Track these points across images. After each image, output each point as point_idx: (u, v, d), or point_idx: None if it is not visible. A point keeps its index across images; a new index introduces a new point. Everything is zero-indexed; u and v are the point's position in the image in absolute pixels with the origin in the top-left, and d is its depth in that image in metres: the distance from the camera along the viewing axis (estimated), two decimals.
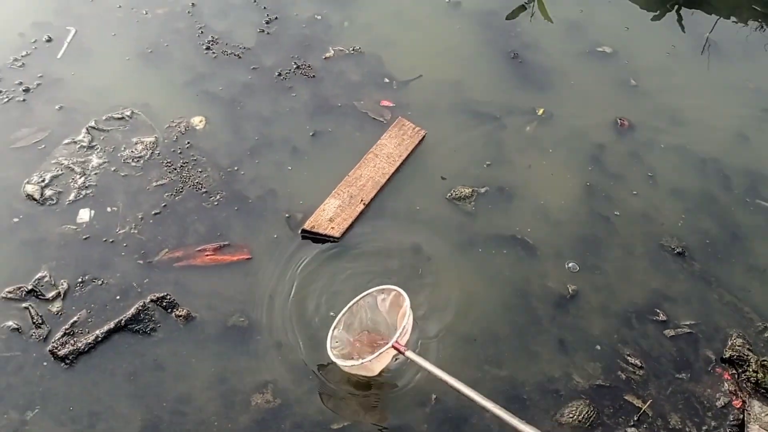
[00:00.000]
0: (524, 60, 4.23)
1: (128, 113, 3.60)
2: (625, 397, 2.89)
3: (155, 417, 2.67)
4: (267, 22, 4.18)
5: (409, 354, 2.61)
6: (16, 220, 3.16)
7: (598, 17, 4.52)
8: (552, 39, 4.37)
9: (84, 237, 3.14)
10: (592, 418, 2.77)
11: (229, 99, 3.76)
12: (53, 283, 2.97)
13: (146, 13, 4.10)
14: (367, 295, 2.84)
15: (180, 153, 3.48)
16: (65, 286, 2.97)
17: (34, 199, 3.20)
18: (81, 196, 3.26)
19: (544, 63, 4.24)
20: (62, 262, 3.06)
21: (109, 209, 3.26)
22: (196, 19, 4.12)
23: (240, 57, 3.96)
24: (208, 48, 3.97)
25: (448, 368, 2.57)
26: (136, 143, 3.48)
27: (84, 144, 3.42)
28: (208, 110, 3.71)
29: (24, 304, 2.92)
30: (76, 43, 3.89)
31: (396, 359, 2.85)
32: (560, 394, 2.87)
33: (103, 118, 3.58)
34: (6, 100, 3.56)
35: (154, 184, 3.36)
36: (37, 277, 2.99)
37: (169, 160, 3.44)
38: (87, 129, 3.50)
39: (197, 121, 3.62)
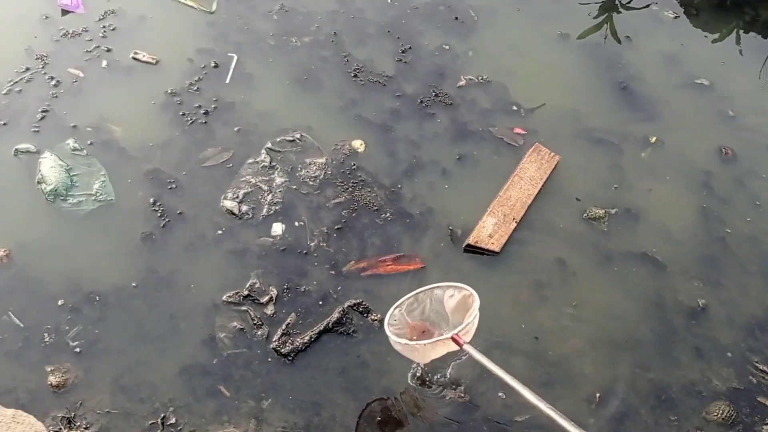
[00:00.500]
0: (632, 90, 4.72)
1: (298, 136, 4.06)
2: (758, 399, 3.41)
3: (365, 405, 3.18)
4: (402, 51, 4.64)
5: (468, 348, 2.63)
6: (219, 232, 3.63)
7: (692, 50, 5.01)
8: (654, 71, 4.87)
9: (281, 248, 3.62)
10: (733, 417, 3.30)
11: (380, 124, 4.24)
12: (264, 289, 3.44)
13: (295, 41, 4.56)
14: (437, 287, 2.93)
15: (349, 174, 3.95)
16: (275, 291, 3.43)
17: (233, 214, 3.67)
18: (272, 211, 3.73)
19: (649, 93, 4.74)
20: (266, 270, 3.53)
21: (296, 224, 3.73)
22: (339, 48, 4.58)
23: (384, 85, 4.43)
24: (355, 75, 4.43)
25: (604, 371, 3.08)
26: (309, 164, 3.95)
27: (265, 164, 3.89)
28: (363, 134, 4.18)
29: (242, 308, 3.37)
30: (239, 69, 4.33)
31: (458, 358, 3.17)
32: (703, 395, 3.39)
33: (277, 140, 4.03)
34: (190, 122, 4.01)
35: (333, 201, 3.82)
36: (249, 283, 3.46)
37: (341, 180, 3.92)
38: (266, 150, 3.95)
39: (358, 144, 4.10)
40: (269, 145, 3.96)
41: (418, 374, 3.27)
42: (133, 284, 3.35)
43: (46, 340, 3.14)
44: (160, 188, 3.67)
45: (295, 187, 3.82)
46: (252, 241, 3.58)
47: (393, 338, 2.78)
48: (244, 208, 3.65)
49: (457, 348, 2.69)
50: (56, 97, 3.96)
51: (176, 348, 3.21)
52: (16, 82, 3.96)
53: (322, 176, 3.88)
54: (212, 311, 3.32)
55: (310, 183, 3.84)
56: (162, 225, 3.54)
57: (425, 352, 2.74)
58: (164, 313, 3.29)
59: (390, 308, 2.99)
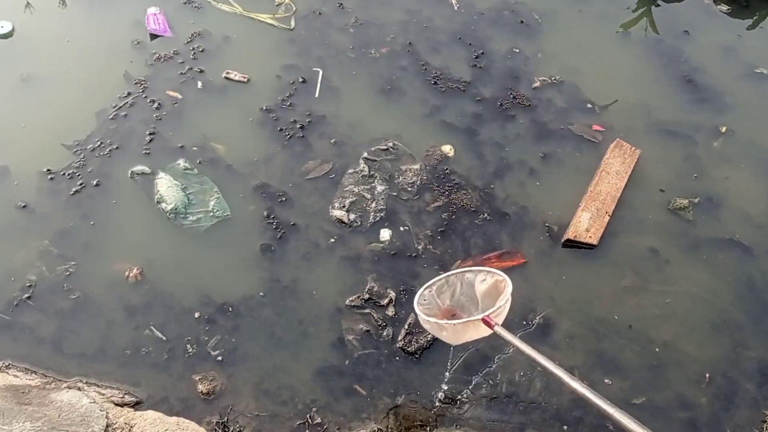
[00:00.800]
0: (696, 82, 4.90)
1: (390, 144, 4.26)
2: None
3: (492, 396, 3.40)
4: (476, 57, 4.83)
5: (498, 329, 2.59)
6: (332, 240, 3.84)
7: (748, 41, 5.19)
8: (714, 63, 5.05)
9: (392, 253, 3.82)
10: None
11: (465, 128, 4.43)
12: (382, 292, 3.65)
13: (374, 53, 4.75)
14: (468, 271, 2.97)
15: (443, 178, 4.15)
16: (393, 294, 3.64)
17: (343, 223, 3.88)
18: (377, 218, 3.93)
19: (713, 84, 4.92)
20: (381, 274, 3.73)
21: (402, 228, 3.93)
22: (416, 57, 4.77)
23: (464, 90, 4.63)
24: (435, 83, 4.63)
25: (706, 352, 3.28)
26: (405, 171, 4.15)
27: (365, 173, 4.09)
28: (450, 138, 4.38)
29: (365, 311, 3.58)
30: (325, 83, 4.53)
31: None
32: None
33: (372, 149, 4.22)
34: (289, 136, 4.22)
35: (433, 206, 4.02)
36: (368, 287, 3.65)
37: (436, 185, 4.12)
38: (363, 160, 4.15)
39: (448, 149, 4.30)
40: (365, 154, 4.15)
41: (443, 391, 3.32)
42: (261, 293, 3.55)
43: (189, 351, 3.33)
44: (271, 201, 3.87)
45: (395, 193, 4.01)
46: (363, 247, 3.78)
47: (423, 316, 2.80)
48: (352, 216, 3.85)
49: (488, 332, 2.65)
50: (160, 119, 4.15)
51: (308, 352, 3.40)
52: (120, 107, 4.16)
53: (418, 182, 4.07)
54: (337, 315, 3.52)
55: (409, 189, 4.03)
56: (278, 236, 3.74)
57: (455, 333, 2.72)
58: (293, 320, 3.48)
59: (420, 289, 3.06)
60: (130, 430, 2.88)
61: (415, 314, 2.92)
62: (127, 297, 3.43)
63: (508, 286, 2.74)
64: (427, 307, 2.97)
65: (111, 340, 3.33)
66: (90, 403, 2.93)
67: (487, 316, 2.64)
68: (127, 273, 3.49)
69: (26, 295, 3.38)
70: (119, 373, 3.23)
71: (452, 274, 3.03)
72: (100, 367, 3.25)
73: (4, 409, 2.71)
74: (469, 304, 3.00)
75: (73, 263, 3.51)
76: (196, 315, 3.42)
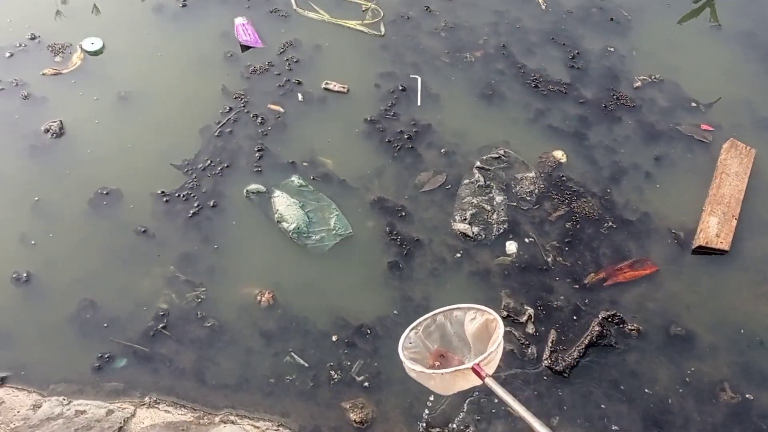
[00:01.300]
0: None
1: (501, 152, 4.14)
2: None
3: (648, 414, 3.33)
4: (572, 57, 4.70)
5: (489, 381, 2.36)
6: (458, 255, 3.72)
7: None
8: None
9: (521, 267, 3.70)
10: None
11: (573, 132, 4.31)
12: (518, 308, 3.53)
13: (468, 57, 4.62)
14: (457, 308, 2.70)
15: (560, 185, 4.03)
16: (531, 310, 3.52)
17: (467, 236, 3.75)
18: (500, 230, 3.81)
19: None
20: (513, 289, 3.61)
21: (526, 240, 3.81)
22: (511, 60, 4.64)
23: (565, 92, 4.49)
24: (536, 86, 4.50)
25: None
26: (521, 179, 4.03)
27: (480, 183, 3.96)
28: (559, 143, 4.25)
29: (506, 329, 3.45)
30: (424, 90, 4.40)
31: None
32: None
33: (484, 158, 4.09)
34: (398, 147, 4.09)
35: (555, 215, 3.90)
36: (503, 303, 3.54)
37: (555, 193, 3.99)
38: (476, 169, 4.02)
39: (560, 155, 4.17)
40: (478, 163, 4.03)
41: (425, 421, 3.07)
42: (395, 312, 3.42)
43: (334, 377, 3.21)
44: (390, 216, 3.75)
45: (514, 203, 3.89)
46: (490, 261, 3.66)
47: (407, 363, 2.53)
48: (476, 229, 3.73)
49: (479, 381, 2.41)
50: (266, 134, 4.03)
51: None
52: (224, 123, 4.03)
53: (536, 191, 3.95)
54: None
55: (528, 198, 3.91)
56: (404, 253, 3.61)
57: (444, 383, 2.48)
58: None
59: (406, 330, 2.79)
60: None
61: (400, 361, 2.60)
62: (261, 322, 3.32)
63: (499, 328, 2.48)
64: (414, 351, 2.68)
65: (252, 368, 3.21)
66: None
67: (477, 364, 2.38)
68: (258, 297, 3.37)
69: (161, 325, 3.26)
70: (266, 404, 3.11)
71: (440, 313, 2.73)
72: (245, 397, 3.13)
73: None
74: (462, 345, 2.74)
75: (203, 289, 3.38)
76: (334, 338, 3.31)
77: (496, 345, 2.44)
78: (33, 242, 3.45)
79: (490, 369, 2.46)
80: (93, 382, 3.09)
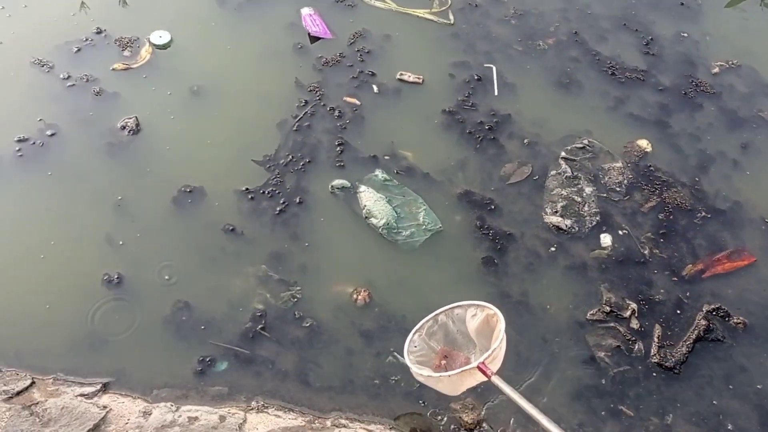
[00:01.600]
0: None
1: (585, 142, 4.01)
2: None
3: (763, 410, 3.22)
4: (646, 44, 4.57)
5: (495, 380, 2.39)
6: (553, 249, 3.60)
7: None
8: None
9: (618, 260, 3.60)
10: None
11: (655, 120, 4.18)
12: (620, 303, 3.42)
13: (541, 45, 4.49)
14: (457, 306, 2.71)
15: (648, 175, 3.92)
16: (634, 305, 3.41)
17: (561, 229, 3.64)
18: (593, 222, 3.70)
19: None
20: (613, 283, 3.51)
21: (620, 232, 3.70)
22: (584, 47, 4.51)
23: (643, 80, 4.37)
24: (612, 73, 4.37)
25: None
26: (608, 170, 3.91)
27: (568, 174, 3.85)
28: (642, 132, 4.14)
29: (609, 324, 3.35)
30: (500, 79, 4.27)
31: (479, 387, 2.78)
32: None
33: (568, 148, 3.97)
34: (480, 139, 3.98)
35: (647, 206, 3.78)
36: (605, 298, 3.43)
37: (644, 183, 3.88)
38: (562, 160, 3.90)
39: (645, 144, 4.05)
40: (563, 154, 3.91)
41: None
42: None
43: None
44: (479, 210, 3.64)
45: (604, 195, 3.78)
46: (585, 254, 3.55)
47: (414, 369, 2.57)
48: (569, 222, 3.61)
49: (485, 379, 2.43)
50: (344, 128, 3.91)
51: (560, 372, 3.21)
52: (302, 117, 3.90)
53: (625, 181, 3.84)
54: (579, 330, 3.31)
55: (617, 189, 3.80)
56: (497, 247, 3.50)
57: (452, 384, 2.50)
58: (535, 337, 3.27)
59: (409, 335, 2.82)
60: None
61: (407, 366, 2.64)
62: (359, 322, 3.22)
63: (501, 322, 2.48)
64: (420, 354, 2.71)
65: (355, 369, 3.12)
66: None
67: (482, 363, 2.39)
68: (354, 296, 3.26)
69: (260, 326, 3.15)
70: (373, 406, 3.02)
71: (441, 312, 2.75)
72: (351, 400, 3.03)
73: None
74: (466, 341, 2.76)
75: (297, 288, 3.27)
76: None
77: (499, 341, 2.44)
78: (121, 242, 3.32)
79: (495, 366, 2.47)
80: (196, 387, 2.99)
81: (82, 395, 2.81)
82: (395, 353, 3.15)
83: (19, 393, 2.75)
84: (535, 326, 3.31)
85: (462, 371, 2.40)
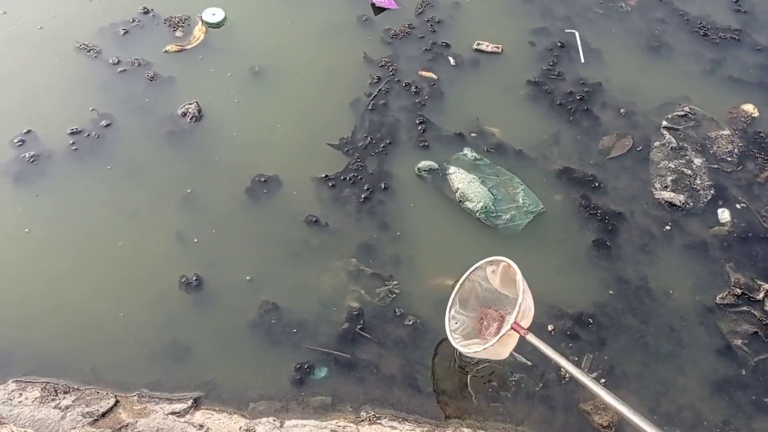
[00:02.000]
0: None
1: (687, 109, 3.63)
2: None
3: None
4: (736, 1, 4.15)
5: (531, 338, 2.40)
6: (667, 227, 3.23)
7: None
8: None
9: (740, 236, 3.29)
10: None
11: (757, 83, 3.84)
12: (750, 284, 3.03)
13: (623, 6, 4.09)
14: (476, 268, 2.70)
15: (759, 143, 3.64)
16: (765, 285, 3.02)
17: (674, 205, 3.25)
18: (708, 197, 3.33)
19: None
20: (738, 262, 3.22)
21: (738, 206, 3.31)
22: (670, 6, 4.13)
23: (738, 39, 3.98)
24: (705, 34, 3.99)
25: None
26: (715, 138, 3.52)
27: (673, 145, 3.46)
28: (745, 96, 3.79)
29: (741, 308, 2.97)
30: (584, 45, 3.87)
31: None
32: None
33: (669, 116, 3.58)
34: (572, 110, 3.59)
35: (763, 176, 3.41)
36: (733, 280, 3.08)
37: (756, 151, 3.55)
38: (665, 129, 3.51)
39: (751, 109, 3.68)
40: (664, 123, 3.52)
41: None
42: (610, 292, 2.96)
43: (565, 375, 2.75)
44: (581, 188, 3.27)
45: (715, 166, 3.40)
46: (704, 232, 3.19)
47: (464, 351, 2.55)
48: (681, 197, 3.22)
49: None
50: (423, 105, 3.54)
51: (694, 363, 2.91)
52: (376, 95, 3.51)
53: (735, 150, 3.47)
54: (709, 316, 2.99)
55: (729, 159, 3.42)
56: (608, 228, 3.12)
57: (496, 350, 2.48)
58: (662, 326, 2.92)
59: (446, 316, 2.76)
60: None
61: (456, 349, 2.62)
62: None
63: (517, 273, 2.47)
64: (463, 328, 2.72)
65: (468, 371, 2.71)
66: None
67: (515, 323, 2.38)
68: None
69: (358, 326, 2.77)
70: (492, 411, 2.63)
71: (464, 280, 2.74)
72: (468, 405, 2.69)
73: None
74: (497, 296, 2.77)
75: (395, 283, 2.91)
76: (550, 328, 2.82)
77: (522, 293, 2.40)
78: (195, 240, 2.94)
79: (527, 321, 2.46)
80: (296, 398, 2.64)
81: (173, 413, 2.46)
82: (513, 352, 2.76)
83: (104, 414, 2.38)
84: (660, 313, 2.95)
85: (500, 338, 2.38)
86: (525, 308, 2.43)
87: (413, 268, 3.02)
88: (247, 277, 2.94)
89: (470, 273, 2.72)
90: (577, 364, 2.81)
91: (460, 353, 2.68)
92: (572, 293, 2.99)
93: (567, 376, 2.75)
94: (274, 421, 2.49)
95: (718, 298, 2.99)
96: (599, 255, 3.09)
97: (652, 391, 2.77)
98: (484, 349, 2.43)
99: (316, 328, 2.84)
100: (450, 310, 2.69)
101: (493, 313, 2.75)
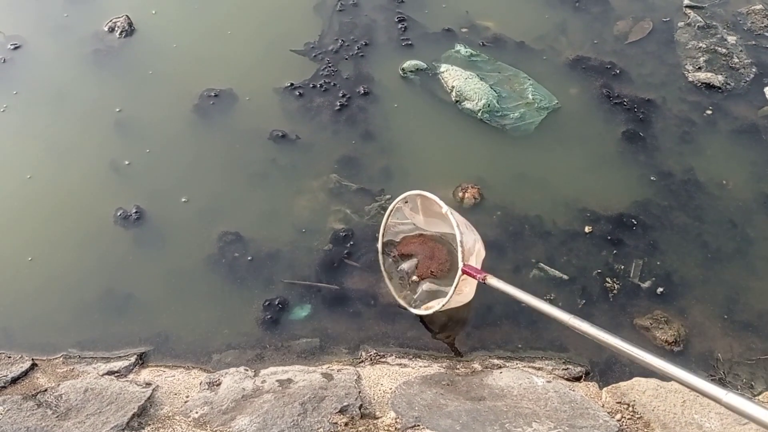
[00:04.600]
0: None
1: None
2: None
3: None
4: None
5: (491, 281, 1.90)
6: (708, 112, 2.67)
7: None
8: None
9: None
10: None
11: None
12: None
13: None
14: (392, 211, 2.21)
15: None
16: None
17: (713, 87, 2.67)
18: (751, 75, 2.77)
19: None
20: None
21: None
22: None
23: None
24: None
25: None
26: (747, 13, 2.96)
27: (700, 24, 2.89)
28: None
29: None
30: None
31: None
32: None
33: None
34: None
35: None
36: None
37: None
38: (688, 8, 2.93)
39: None
40: (686, 2, 2.91)
41: None
42: (653, 183, 2.32)
43: (612, 288, 2.13)
44: (600, 77, 2.69)
45: (753, 42, 2.82)
46: (752, 114, 2.62)
47: (419, 311, 2.09)
48: (720, 77, 2.62)
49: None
50: (402, 2, 2.92)
51: (766, 260, 2.19)
52: None
53: None
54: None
55: (767, 35, 2.79)
56: (639, 118, 2.50)
57: (458, 299, 2.03)
58: (721, 222, 2.46)
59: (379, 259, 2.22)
60: (630, 409, 1.64)
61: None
62: (480, 230, 2.16)
63: (439, 204, 1.98)
64: (403, 280, 2.19)
65: (489, 295, 2.05)
66: (546, 383, 1.69)
67: (465, 266, 1.91)
68: (461, 193, 2.33)
69: (345, 251, 2.09)
70: (530, 337, 2.04)
71: (383, 228, 2.23)
72: (494, 334, 2.07)
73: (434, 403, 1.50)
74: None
75: (387, 197, 2.31)
76: (587, 230, 2.16)
77: (456, 227, 1.92)
78: (129, 165, 2.25)
79: (479, 259, 1.99)
80: (275, 343, 1.97)
81: (110, 372, 1.80)
82: (541, 264, 2.11)
83: (15, 381, 1.68)
84: (716, 208, 2.34)
85: (454, 291, 1.92)
86: (468, 245, 1.93)
87: (408, 179, 2.39)
88: (203, 206, 2.24)
89: (387, 218, 2.22)
90: (626, 273, 2.13)
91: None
92: (607, 194, 2.37)
93: (615, 288, 2.08)
94: (246, 370, 1.80)
95: None
96: (633, 149, 2.48)
97: (721, 297, 2.15)
98: (437, 310, 2.00)
99: (294, 258, 2.17)
100: (383, 264, 2.21)
101: (428, 242, 2.24)
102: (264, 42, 2.78)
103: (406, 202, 2.18)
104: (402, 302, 2.12)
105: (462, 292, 2.01)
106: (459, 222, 1.94)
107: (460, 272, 1.92)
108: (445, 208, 1.96)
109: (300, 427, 1.49)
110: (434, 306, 2.03)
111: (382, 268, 2.20)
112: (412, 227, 2.27)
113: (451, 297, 1.94)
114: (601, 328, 1.63)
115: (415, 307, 2.10)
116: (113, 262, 2.18)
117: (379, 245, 2.23)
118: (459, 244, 1.90)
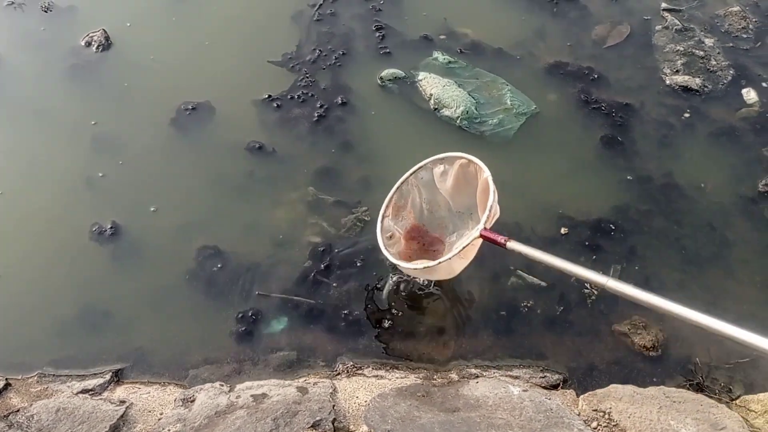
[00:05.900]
0: None
1: None
2: None
3: None
4: None
5: (513, 245, 1.80)
6: (686, 115, 2.70)
7: None
8: None
9: None
10: None
11: None
12: None
13: None
14: (420, 168, 2.11)
15: None
16: None
17: (690, 90, 2.67)
18: (728, 77, 2.78)
19: None
20: None
21: (764, 84, 2.75)
22: None
23: None
24: None
25: None
26: (724, 15, 2.97)
27: (678, 27, 2.91)
28: None
29: None
30: None
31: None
32: None
33: None
34: (555, 2, 2.97)
35: None
36: None
37: None
38: (665, 11, 2.96)
39: None
40: (664, 5, 2.94)
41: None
42: (628, 197, 2.31)
43: (588, 293, 2.08)
44: (578, 82, 2.71)
45: (730, 44, 2.82)
46: (730, 116, 2.63)
47: (404, 265, 1.95)
48: (698, 80, 2.62)
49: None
50: (379, 10, 2.99)
51: (744, 264, 2.42)
52: (321, 4, 2.87)
53: (750, 26, 2.92)
54: (752, 207, 2.55)
55: (744, 36, 2.86)
56: (617, 123, 2.51)
57: (450, 266, 1.92)
58: (699, 225, 2.44)
59: (377, 223, 2.10)
60: (606, 416, 1.63)
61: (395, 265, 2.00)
62: None
63: (485, 172, 1.91)
64: (393, 245, 2.08)
65: (469, 301, 2.04)
66: (522, 392, 1.68)
67: (485, 228, 1.83)
68: None
69: (324, 264, 2.09)
70: (505, 345, 2.02)
71: (402, 182, 2.12)
72: (473, 343, 2.08)
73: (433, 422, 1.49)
74: (441, 213, 2.19)
75: (364, 209, 2.28)
76: (563, 231, 2.17)
77: (492, 196, 1.85)
78: (107, 180, 2.26)
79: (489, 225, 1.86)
80: (251, 357, 1.97)
81: (84, 391, 1.79)
82: (519, 271, 2.10)
83: None
84: (694, 211, 2.36)
85: (464, 248, 1.82)
86: (496, 215, 1.90)
87: (386, 189, 2.34)
88: (181, 221, 2.23)
89: (414, 173, 2.11)
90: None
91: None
92: (585, 199, 2.38)
93: (595, 292, 2.08)
94: (221, 386, 1.79)
95: (760, 186, 2.41)
96: (612, 153, 2.49)
97: (700, 301, 2.16)
98: (439, 263, 1.84)
99: (271, 271, 2.17)
100: (382, 219, 2.08)
101: (426, 233, 2.21)
102: (241, 53, 2.78)
103: (441, 162, 2.09)
104: (384, 249, 2.02)
105: (466, 256, 1.94)
106: (496, 190, 1.90)
107: (477, 232, 1.85)
108: (486, 173, 1.91)
109: None
110: (428, 263, 1.92)
111: (379, 232, 2.09)
112: (429, 198, 2.20)
113: (460, 250, 1.85)
114: (641, 288, 1.64)
115: (396, 257, 2.02)
116: (89, 278, 2.18)
117: (381, 212, 2.13)
118: (488, 208, 1.85)
